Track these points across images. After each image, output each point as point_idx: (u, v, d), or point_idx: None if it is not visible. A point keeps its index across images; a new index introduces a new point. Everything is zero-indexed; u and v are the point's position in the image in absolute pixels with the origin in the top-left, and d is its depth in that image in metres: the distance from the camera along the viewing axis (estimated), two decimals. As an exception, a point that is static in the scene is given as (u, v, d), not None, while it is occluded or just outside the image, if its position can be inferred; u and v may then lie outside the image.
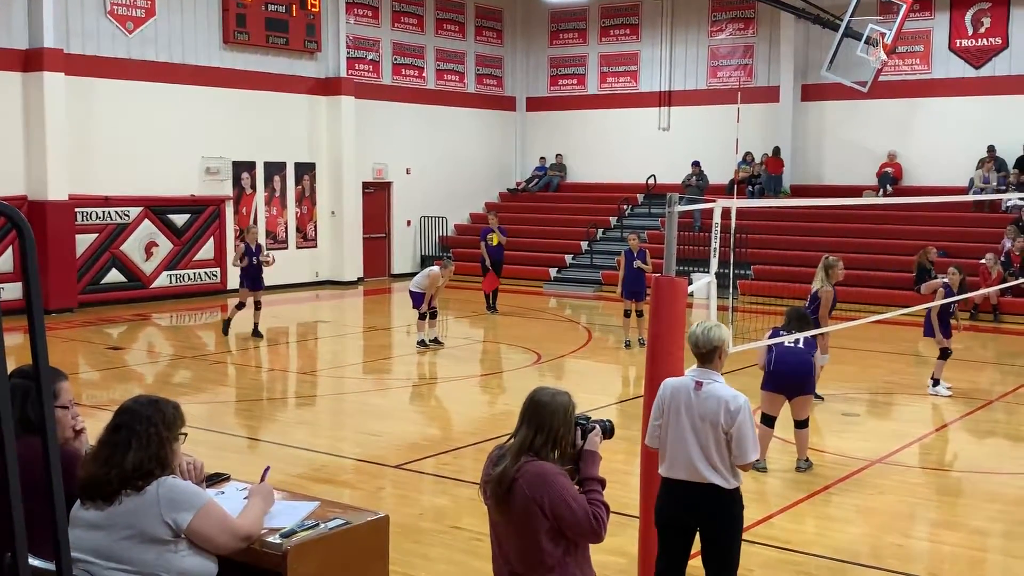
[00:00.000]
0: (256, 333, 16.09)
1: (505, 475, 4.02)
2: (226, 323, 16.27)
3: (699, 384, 5.28)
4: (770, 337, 8.97)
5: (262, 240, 20.26)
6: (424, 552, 7.01)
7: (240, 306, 16.26)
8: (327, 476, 8.85)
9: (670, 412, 5.32)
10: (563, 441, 4.11)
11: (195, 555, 3.56)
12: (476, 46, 27.59)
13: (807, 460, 9.08)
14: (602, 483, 4.15)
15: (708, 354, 5.34)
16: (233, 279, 20.56)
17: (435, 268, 15.75)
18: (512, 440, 4.13)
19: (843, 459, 9.51)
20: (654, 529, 5.63)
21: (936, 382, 12.29)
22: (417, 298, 15.39)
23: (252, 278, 16.12)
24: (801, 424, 9.04)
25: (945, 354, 12.23)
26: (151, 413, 3.64)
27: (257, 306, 16.11)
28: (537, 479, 3.97)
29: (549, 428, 4.06)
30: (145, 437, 3.58)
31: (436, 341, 15.52)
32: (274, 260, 16.75)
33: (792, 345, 8.91)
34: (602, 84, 27.62)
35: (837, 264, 11.41)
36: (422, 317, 15.43)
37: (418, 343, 15.42)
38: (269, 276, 16.83)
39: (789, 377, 8.90)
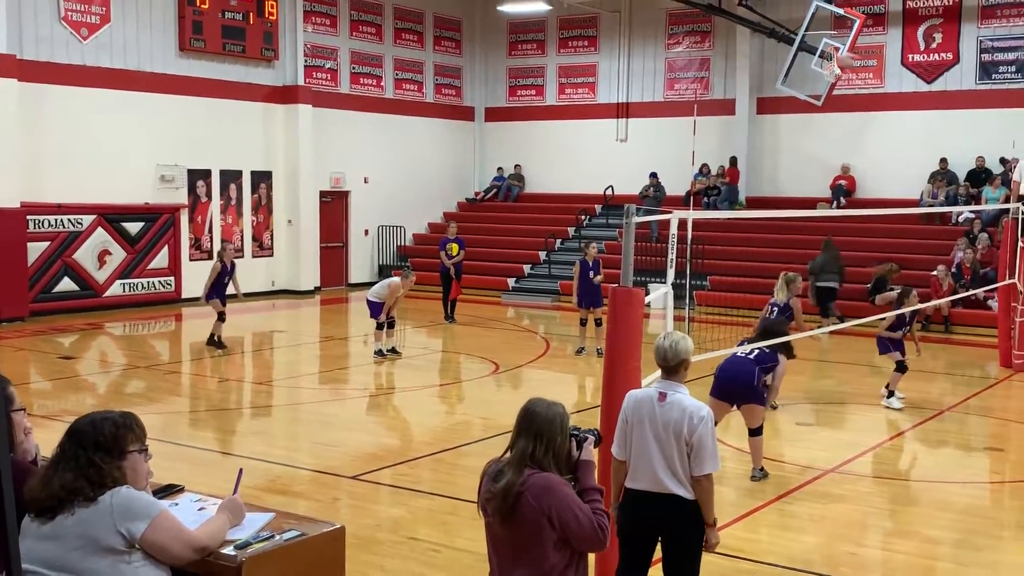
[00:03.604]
0: (220, 343, 15.83)
1: (510, 488, 4.01)
2: (218, 339, 15.76)
3: (663, 395, 5.31)
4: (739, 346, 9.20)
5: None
6: (381, 563, 6.98)
7: (222, 317, 15.88)
8: (282, 487, 8.78)
9: (633, 424, 5.34)
10: (560, 451, 4.13)
11: (149, 566, 3.52)
12: (435, 56, 27.59)
13: (762, 469, 9.15)
14: (601, 492, 4.19)
15: (675, 367, 5.38)
16: (189, 288, 20.41)
17: (395, 278, 15.68)
18: (509, 453, 4.14)
19: (797, 468, 9.60)
20: (614, 538, 5.64)
21: (891, 393, 12.43)
22: (375, 308, 15.32)
23: (223, 291, 15.94)
24: (754, 432, 9.13)
25: (902, 367, 12.40)
26: (82, 433, 3.61)
27: (221, 317, 15.87)
28: (543, 491, 3.99)
29: (548, 438, 4.09)
30: (73, 460, 3.55)
31: (393, 351, 15.47)
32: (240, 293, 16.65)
33: (742, 355, 9.10)
34: (560, 95, 27.73)
35: (797, 279, 12.16)
36: (380, 327, 15.37)
37: (375, 353, 15.35)
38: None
39: (729, 384, 9.07)
